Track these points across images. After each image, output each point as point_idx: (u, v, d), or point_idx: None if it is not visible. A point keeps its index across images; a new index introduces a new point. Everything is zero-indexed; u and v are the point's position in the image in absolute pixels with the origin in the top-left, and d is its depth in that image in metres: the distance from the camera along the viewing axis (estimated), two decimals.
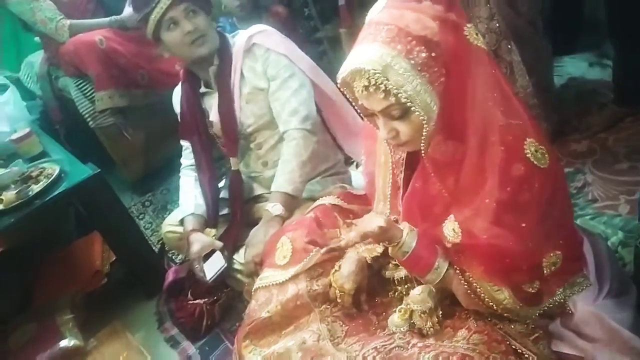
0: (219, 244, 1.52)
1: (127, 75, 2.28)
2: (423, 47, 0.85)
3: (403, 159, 1.10)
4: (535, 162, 0.87)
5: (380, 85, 0.87)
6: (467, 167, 0.90)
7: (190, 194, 1.62)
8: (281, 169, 1.50)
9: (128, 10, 2.35)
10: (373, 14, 0.92)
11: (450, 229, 0.95)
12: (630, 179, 1.69)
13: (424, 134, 0.90)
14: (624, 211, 1.58)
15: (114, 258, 1.87)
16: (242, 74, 1.52)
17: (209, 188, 1.61)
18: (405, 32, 0.86)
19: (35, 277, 1.90)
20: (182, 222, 1.58)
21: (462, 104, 0.88)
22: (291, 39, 1.73)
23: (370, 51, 0.87)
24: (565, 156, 1.87)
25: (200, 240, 1.50)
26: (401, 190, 1.11)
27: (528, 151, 0.87)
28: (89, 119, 2.30)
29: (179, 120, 1.65)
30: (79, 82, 2.32)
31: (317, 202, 1.40)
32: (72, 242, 2.01)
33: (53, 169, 1.68)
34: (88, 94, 2.31)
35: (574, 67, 2.39)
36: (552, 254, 0.93)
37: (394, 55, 0.85)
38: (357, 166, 1.88)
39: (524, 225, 0.88)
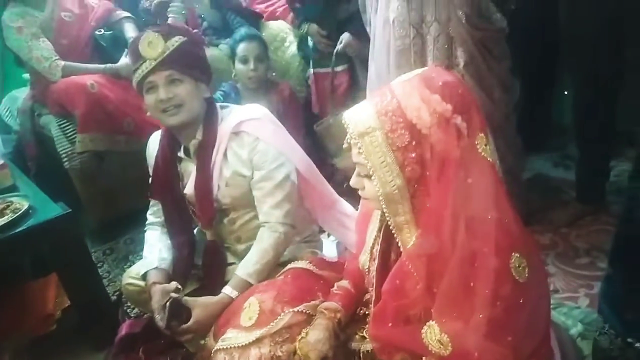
0: (172, 286, 1.44)
1: (113, 120, 2.31)
2: (407, 133, 0.92)
3: (380, 231, 1.13)
4: (517, 277, 0.89)
5: (358, 144, 0.95)
6: (452, 270, 0.91)
7: (155, 247, 1.57)
8: (257, 256, 1.46)
9: (124, 60, 2.42)
10: (399, 80, 0.99)
11: (435, 340, 0.93)
12: (589, 273, 1.77)
13: (383, 207, 0.96)
14: (583, 304, 1.64)
15: (67, 304, 1.79)
16: (225, 155, 1.48)
17: (185, 251, 1.56)
18: (401, 111, 0.92)
19: None
20: (144, 276, 1.52)
21: (442, 205, 0.91)
22: (289, 117, 1.79)
23: (362, 113, 0.96)
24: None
25: (159, 290, 1.44)
26: (376, 262, 1.13)
27: (512, 266, 0.89)
28: (65, 159, 2.28)
29: (151, 176, 1.61)
30: (62, 121, 2.32)
31: (289, 266, 1.40)
32: (26, 281, 1.92)
33: (21, 204, 1.64)
34: (69, 134, 2.30)
35: (540, 164, 2.55)
36: None
37: (375, 127, 0.93)
38: (328, 235, 1.89)
39: (510, 339, 0.89)
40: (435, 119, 0.91)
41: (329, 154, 2.39)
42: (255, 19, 2.74)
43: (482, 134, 0.95)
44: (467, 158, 0.92)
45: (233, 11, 2.67)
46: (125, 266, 2.24)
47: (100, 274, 2.21)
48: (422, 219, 0.96)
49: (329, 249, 1.81)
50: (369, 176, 0.96)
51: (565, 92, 2.51)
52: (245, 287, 1.41)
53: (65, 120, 2.33)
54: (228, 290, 1.42)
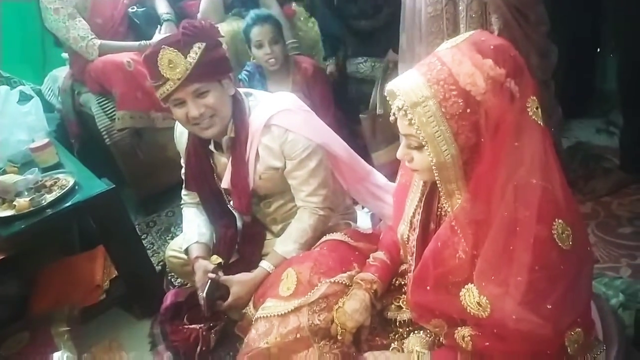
0: (210, 266, 1.49)
1: (150, 97, 2.33)
2: (461, 100, 0.89)
3: (421, 203, 1.13)
4: (559, 244, 0.88)
5: (408, 114, 0.92)
6: (495, 234, 0.91)
7: (193, 222, 1.62)
8: (295, 234, 1.49)
9: (158, 36, 2.45)
10: (443, 46, 0.96)
11: (474, 302, 0.94)
12: (632, 243, 1.72)
13: (436, 175, 0.94)
14: (625, 274, 1.60)
15: (115, 275, 1.87)
16: (257, 150, 1.46)
17: (229, 232, 1.59)
18: (453, 79, 0.89)
19: (33, 285, 1.90)
20: (186, 252, 1.58)
21: (495, 170, 0.90)
22: (316, 96, 1.75)
23: (412, 82, 0.92)
24: None
25: (202, 268, 1.50)
26: (416, 232, 1.14)
27: (555, 232, 0.88)
28: (106, 136, 2.36)
29: (184, 169, 1.63)
30: (101, 99, 2.39)
31: (325, 238, 1.43)
32: (75, 254, 2.02)
33: (67, 180, 1.71)
34: (109, 111, 2.37)
35: (581, 131, 2.46)
36: (573, 333, 0.93)
37: (428, 96, 0.90)
38: (362, 207, 1.90)
39: (549, 307, 0.89)
40: (490, 84, 0.89)
41: (368, 148, 2.33)
42: None
43: (534, 97, 0.93)
44: (519, 122, 0.90)
45: None
46: (168, 238, 2.33)
47: (145, 245, 2.31)
48: (472, 184, 0.95)
49: (363, 220, 1.82)
50: (419, 147, 0.94)
51: (611, 55, 2.40)
52: (279, 263, 1.45)
53: (104, 98, 2.39)
54: (265, 265, 1.47)
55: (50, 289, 1.87)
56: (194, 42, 1.34)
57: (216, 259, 1.51)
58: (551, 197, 0.90)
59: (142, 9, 2.56)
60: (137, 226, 2.43)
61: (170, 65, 1.32)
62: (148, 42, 2.43)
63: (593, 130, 2.46)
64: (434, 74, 0.91)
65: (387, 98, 0.99)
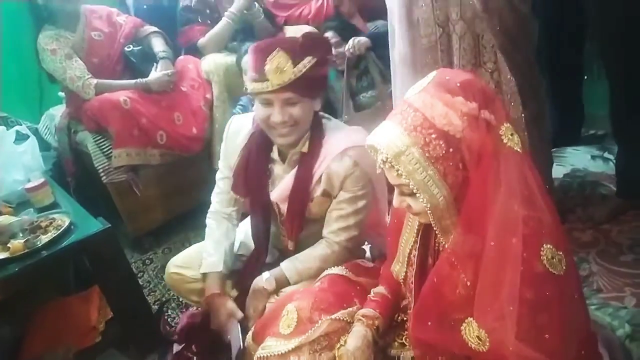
0: (240, 314, 1.47)
1: (147, 135, 2.36)
2: (442, 142, 0.90)
3: (417, 239, 1.12)
4: (551, 269, 0.88)
5: (394, 166, 0.92)
6: (486, 264, 0.91)
7: (221, 245, 1.57)
8: (305, 259, 1.48)
9: (154, 74, 2.48)
10: (410, 93, 0.97)
11: (474, 336, 0.94)
12: (635, 271, 1.70)
13: (430, 218, 0.94)
14: (630, 303, 1.57)
15: (110, 316, 1.83)
16: (321, 174, 1.45)
17: (261, 246, 1.58)
18: (429, 123, 0.91)
19: (27, 326, 1.85)
20: (204, 275, 1.55)
21: (482, 200, 0.90)
22: None
23: (390, 134, 0.93)
24: (569, 244, 1.89)
25: (226, 312, 1.47)
26: (414, 268, 1.13)
27: (545, 257, 0.88)
28: (102, 174, 2.35)
29: (236, 170, 1.56)
30: (98, 137, 2.39)
31: (326, 272, 1.41)
32: (70, 294, 1.98)
33: (63, 221, 1.69)
34: (105, 149, 2.37)
35: (576, 158, 2.47)
36: None
37: (409, 144, 0.91)
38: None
39: (547, 336, 0.87)
40: (466, 120, 0.90)
41: None
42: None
43: (507, 124, 0.94)
44: (496, 151, 0.91)
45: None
46: (164, 276, 2.28)
47: (141, 283, 2.28)
48: (462, 217, 0.95)
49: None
50: (412, 194, 0.95)
51: (585, 77, 2.43)
52: (281, 280, 1.45)
53: (100, 136, 2.39)
54: (265, 275, 1.46)
55: (44, 330, 1.82)
56: (307, 55, 1.34)
57: (233, 292, 1.50)
58: (536, 223, 0.90)
59: (138, 48, 2.59)
60: (133, 264, 2.40)
61: (277, 70, 1.31)
62: (144, 80, 2.46)
63: (588, 157, 2.47)
64: (409, 121, 0.92)
65: (369, 152, 0.99)
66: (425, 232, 1.11)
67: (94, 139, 2.39)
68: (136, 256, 2.51)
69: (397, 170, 0.92)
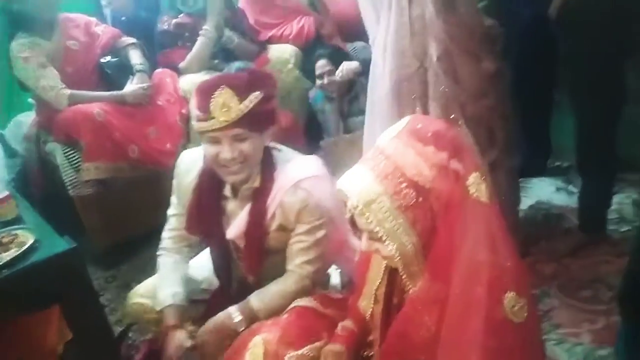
0: (188, 343, 1.44)
1: (118, 148, 2.33)
2: (412, 191, 0.92)
3: (384, 277, 1.14)
4: (512, 318, 0.90)
5: (364, 213, 0.94)
6: (450, 312, 0.93)
7: (168, 279, 1.56)
8: (274, 293, 1.47)
9: (129, 87, 2.45)
10: (383, 139, 1.00)
11: None
12: (592, 307, 1.76)
13: (399, 264, 0.97)
14: (586, 340, 1.63)
15: (70, 337, 1.78)
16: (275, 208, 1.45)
17: (225, 282, 1.57)
18: (400, 172, 0.93)
19: None
20: (160, 312, 1.53)
21: (449, 249, 0.93)
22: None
23: (361, 181, 0.95)
24: (532, 277, 1.94)
25: (176, 342, 1.44)
26: (380, 305, 1.14)
27: (507, 306, 0.90)
28: (70, 187, 2.30)
29: (189, 208, 1.53)
30: (67, 149, 2.34)
31: (294, 304, 1.41)
32: (28, 312, 1.91)
33: (26, 237, 1.63)
34: (74, 162, 2.32)
35: (541, 190, 2.54)
36: None
37: (380, 193, 0.93)
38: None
39: None
40: (435, 170, 0.93)
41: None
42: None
43: (477, 173, 0.97)
44: (463, 202, 0.94)
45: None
46: (127, 295, 2.22)
47: (102, 302, 2.22)
48: (429, 265, 0.97)
49: (333, 277, 1.82)
50: (381, 240, 0.96)
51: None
52: (250, 316, 1.43)
53: (70, 148, 2.35)
54: (233, 310, 1.44)
55: None
56: (253, 90, 1.33)
57: (190, 327, 1.46)
58: (500, 272, 0.92)
59: (114, 59, 2.56)
60: (95, 281, 2.34)
61: (223, 108, 1.29)
62: (120, 92, 2.42)
63: (553, 189, 2.54)
64: (381, 168, 0.95)
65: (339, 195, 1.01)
66: (392, 271, 1.13)
67: (63, 150, 2.34)
68: (99, 272, 2.43)
69: (367, 218, 0.94)
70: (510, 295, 0.91)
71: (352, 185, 0.96)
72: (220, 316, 1.44)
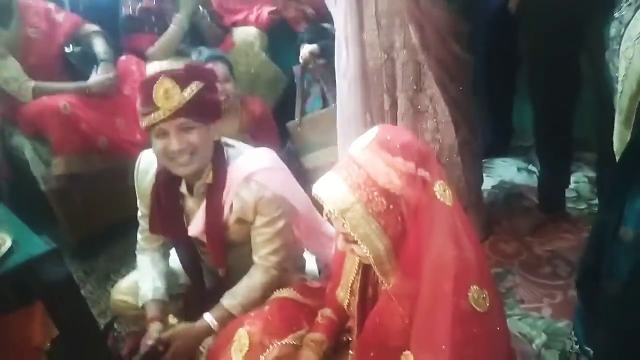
0: (150, 341, 1.46)
1: (87, 140, 2.29)
2: (383, 199, 1.00)
3: (359, 270, 1.22)
4: (477, 308, 0.98)
5: (339, 218, 1.01)
6: (421, 305, 1.01)
7: (148, 275, 1.60)
8: (245, 290, 1.50)
9: (95, 77, 2.40)
10: (355, 149, 1.06)
11: None
12: (552, 282, 1.89)
13: (372, 264, 1.04)
14: (546, 314, 1.76)
15: (56, 334, 1.80)
16: (231, 202, 1.48)
17: (197, 279, 1.62)
18: (372, 181, 1.00)
19: None
20: (142, 307, 1.57)
21: (418, 249, 1.02)
22: (263, 137, 1.79)
23: (336, 190, 1.02)
24: (495, 255, 2.07)
25: (154, 332, 1.48)
26: (356, 297, 1.22)
27: (471, 298, 0.99)
28: (41, 182, 2.27)
29: (150, 210, 1.58)
30: (35, 144, 2.30)
31: (274, 295, 1.47)
32: (9, 311, 1.91)
33: (2, 240, 1.62)
34: (44, 156, 2.28)
35: (504, 170, 2.65)
36: None
37: (354, 201, 1.00)
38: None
39: None
40: (404, 179, 1.01)
41: (297, 153, 2.54)
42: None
43: (441, 181, 1.05)
44: (430, 205, 1.02)
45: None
46: (108, 286, 2.26)
47: (83, 294, 2.23)
48: (401, 264, 1.06)
49: (310, 263, 1.89)
50: (355, 242, 1.03)
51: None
52: (227, 318, 1.47)
53: (38, 142, 2.31)
54: (208, 318, 1.48)
55: None
56: (193, 80, 1.36)
57: (172, 319, 1.51)
58: (465, 266, 1.01)
59: (78, 49, 2.50)
60: (74, 274, 2.34)
61: (165, 95, 1.32)
62: (85, 83, 2.38)
63: (515, 169, 2.65)
64: (354, 178, 1.02)
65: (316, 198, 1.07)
66: (366, 266, 1.20)
67: (31, 145, 2.30)
68: (76, 265, 2.43)
69: (343, 224, 1.01)
70: (474, 288, 1.00)
71: (327, 193, 1.03)
72: (196, 327, 1.47)
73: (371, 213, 1.00)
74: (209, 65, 2.10)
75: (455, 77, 1.81)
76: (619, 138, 1.16)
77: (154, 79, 1.35)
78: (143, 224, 1.66)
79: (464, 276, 1.00)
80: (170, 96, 1.33)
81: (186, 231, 1.55)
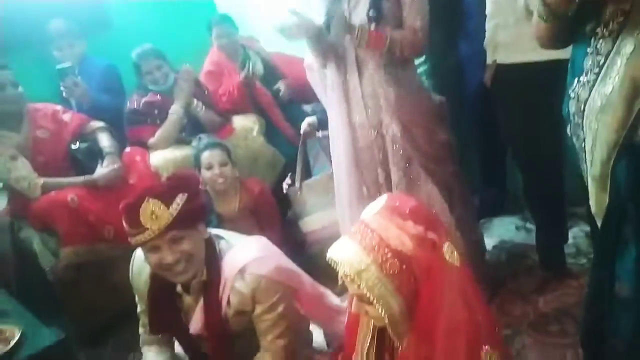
0: None
1: (94, 231, 2.37)
2: (397, 260, 1.06)
3: (373, 337, 1.24)
4: None
5: (355, 280, 1.06)
6: None
7: None
8: None
9: (100, 170, 2.51)
10: (367, 214, 1.13)
11: None
12: (561, 341, 1.86)
13: (387, 325, 1.07)
14: None
15: None
16: (228, 296, 1.50)
17: None
18: (385, 244, 1.07)
19: None
20: None
21: (431, 310, 1.06)
22: (264, 216, 1.86)
23: (351, 253, 1.08)
24: (503, 317, 2.05)
25: None
26: None
27: (484, 359, 1.02)
28: (49, 273, 2.31)
29: (148, 310, 1.59)
30: (44, 236, 2.37)
31: None
32: None
33: (13, 332, 1.64)
34: (52, 248, 2.34)
35: (502, 229, 2.68)
36: None
37: (369, 263, 1.06)
38: None
39: None
40: (415, 241, 1.07)
41: (297, 219, 2.59)
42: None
43: (448, 242, 1.11)
44: (440, 266, 1.08)
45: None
46: None
47: None
48: (414, 325, 1.09)
49: (317, 336, 1.88)
50: (370, 303, 1.08)
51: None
52: None
53: (46, 235, 2.37)
54: None
55: None
56: (177, 193, 1.40)
57: None
58: (476, 327, 1.05)
59: (84, 145, 2.62)
60: None
61: (152, 217, 1.35)
62: (91, 176, 2.48)
63: (513, 228, 2.68)
64: (367, 241, 1.08)
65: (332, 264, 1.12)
66: (381, 331, 1.23)
67: (40, 237, 2.36)
68: (84, 353, 2.39)
69: (358, 285, 1.06)
70: (486, 348, 1.04)
71: (343, 256, 1.09)
72: None
73: (386, 274, 1.05)
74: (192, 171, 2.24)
75: (441, 162, 1.92)
76: (596, 202, 1.22)
77: (138, 201, 1.37)
78: (144, 318, 1.67)
79: (476, 337, 1.04)
80: (158, 216, 1.36)
81: (187, 329, 1.56)
